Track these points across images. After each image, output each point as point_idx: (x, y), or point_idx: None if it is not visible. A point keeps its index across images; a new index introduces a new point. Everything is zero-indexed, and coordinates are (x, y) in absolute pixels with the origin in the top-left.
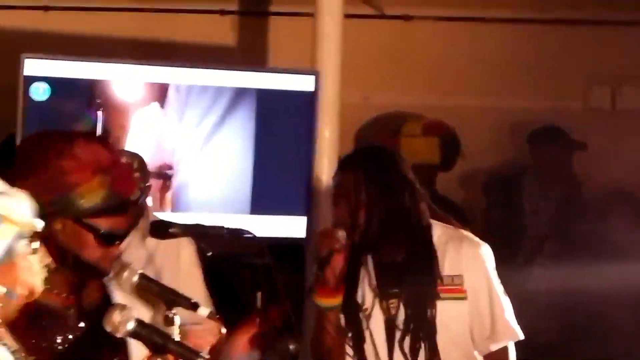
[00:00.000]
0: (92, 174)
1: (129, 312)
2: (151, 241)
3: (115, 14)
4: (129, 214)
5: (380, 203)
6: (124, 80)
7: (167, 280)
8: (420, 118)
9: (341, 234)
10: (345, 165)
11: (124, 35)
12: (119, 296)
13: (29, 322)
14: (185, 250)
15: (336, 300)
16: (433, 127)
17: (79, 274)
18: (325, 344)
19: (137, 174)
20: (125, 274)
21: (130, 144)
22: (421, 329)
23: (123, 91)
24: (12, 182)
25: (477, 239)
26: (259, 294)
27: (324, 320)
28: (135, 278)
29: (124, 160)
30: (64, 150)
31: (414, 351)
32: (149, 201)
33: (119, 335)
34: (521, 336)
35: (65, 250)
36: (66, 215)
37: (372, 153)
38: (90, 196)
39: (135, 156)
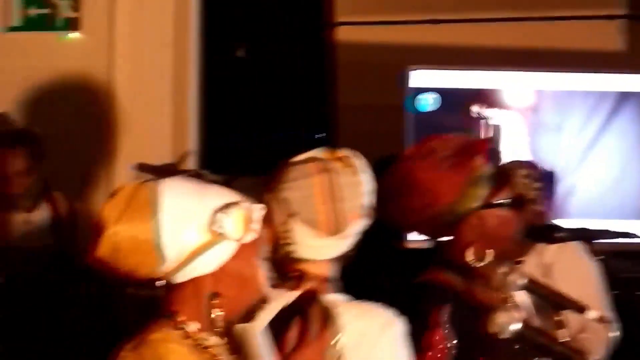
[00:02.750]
0: (467, 162)
1: (513, 313)
2: (549, 250)
3: (499, 24)
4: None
5: None
6: (509, 88)
7: (565, 286)
8: None
9: None
10: None
11: (508, 44)
12: None
13: None
14: (583, 258)
15: None
16: None
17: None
18: None
19: (537, 184)
20: (512, 276)
21: (516, 150)
22: None
23: (508, 99)
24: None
25: None
26: None
27: None
28: (523, 281)
29: (474, 138)
30: (430, 160)
31: None
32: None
33: (503, 336)
34: None
35: (495, 238)
36: (474, 208)
37: None
38: (478, 179)
39: (532, 165)
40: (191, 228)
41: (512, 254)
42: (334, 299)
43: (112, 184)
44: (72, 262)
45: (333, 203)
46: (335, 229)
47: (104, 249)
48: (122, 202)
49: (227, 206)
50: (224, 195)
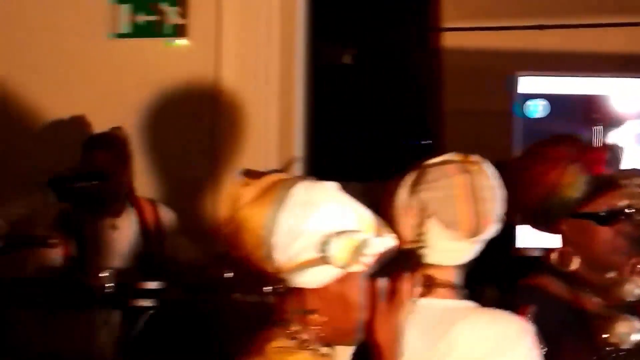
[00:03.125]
0: (563, 168)
1: (633, 323)
2: None
3: (607, 30)
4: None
5: None
6: (620, 95)
7: None
8: None
9: None
10: None
11: (617, 50)
12: None
13: None
14: None
15: None
16: None
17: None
18: None
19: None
20: (628, 285)
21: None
22: None
23: (620, 106)
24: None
25: None
26: None
27: None
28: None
29: (588, 145)
30: (535, 160)
31: None
32: None
33: (622, 347)
34: None
35: (583, 246)
36: (563, 215)
37: None
38: (571, 188)
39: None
40: (301, 241)
41: (616, 264)
42: (463, 305)
43: (218, 190)
44: (161, 268)
45: (475, 203)
46: (474, 231)
47: (230, 227)
48: (259, 189)
49: (339, 233)
50: (348, 220)
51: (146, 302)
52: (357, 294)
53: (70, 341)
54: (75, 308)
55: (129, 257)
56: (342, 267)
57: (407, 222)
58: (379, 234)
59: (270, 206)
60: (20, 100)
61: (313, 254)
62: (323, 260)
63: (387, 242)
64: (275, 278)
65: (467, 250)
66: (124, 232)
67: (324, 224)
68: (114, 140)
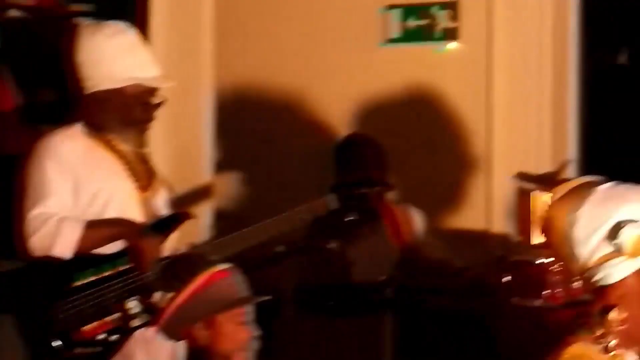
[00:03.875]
0: None
1: None
2: None
3: None
4: None
5: None
6: None
7: None
8: None
9: None
10: None
11: None
12: None
13: None
14: None
15: None
16: None
17: None
18: None
19: None
20: None
21: None
22: None
23: None
24: None
25: None
26: None
27: None
28: None
29: None
30: None
31: None
32: None
33: None
34: None
35: None
36: None
37: None
38: None
39: None
40: (600, 233)
41: None
42: None
43: (491, 193)
44: (413, 271)
45: None
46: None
47: (543, 225)
48: (567, 189)
49: (633, 221)
50: None
51: (421, 307)
52: None
53: (351, 347)
54: (354, 314)
55: (385, 261)
56: (633, 256)
57: None
58: None
59: (575, 202)
60: (293, 107)
61: (610, 248)
62: (617, 250)
63: None
64: (564, 282)
65: None
66: (379, 236)
67: (623, 216)
68: (379, 144)
